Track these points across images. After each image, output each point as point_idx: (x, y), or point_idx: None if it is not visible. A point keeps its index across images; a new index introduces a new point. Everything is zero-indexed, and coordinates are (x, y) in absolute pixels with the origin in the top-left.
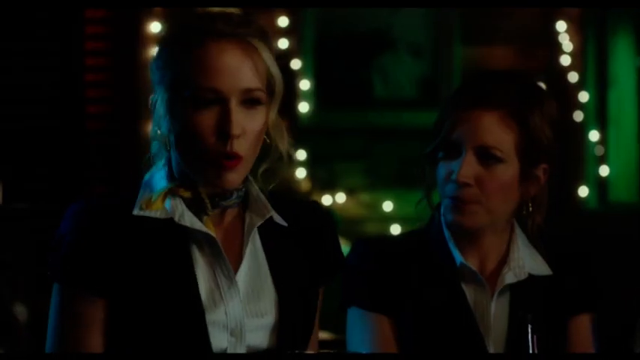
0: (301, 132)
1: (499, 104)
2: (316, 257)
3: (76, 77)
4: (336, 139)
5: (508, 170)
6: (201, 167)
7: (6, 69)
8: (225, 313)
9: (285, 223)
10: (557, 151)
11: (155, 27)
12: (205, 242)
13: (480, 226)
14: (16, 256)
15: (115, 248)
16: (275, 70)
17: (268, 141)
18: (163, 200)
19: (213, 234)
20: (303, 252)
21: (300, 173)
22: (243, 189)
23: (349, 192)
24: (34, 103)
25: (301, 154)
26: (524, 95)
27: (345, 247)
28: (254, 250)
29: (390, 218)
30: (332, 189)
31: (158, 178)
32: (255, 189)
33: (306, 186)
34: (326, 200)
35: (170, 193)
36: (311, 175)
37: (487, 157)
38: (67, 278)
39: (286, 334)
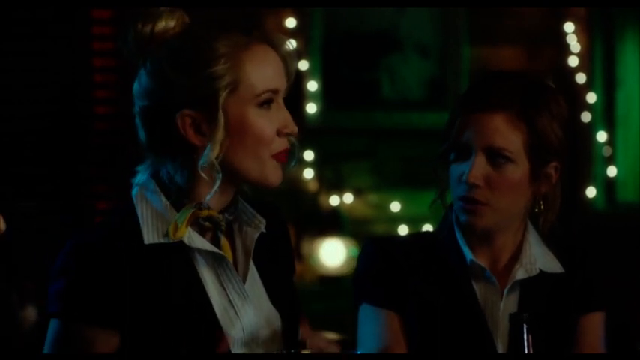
0: (309, 132)
1: (506, 105)
2: (283, 259)
3: (83, 78)
4: (344, 140)
5: (518, 170)
6: (260, 167)
7: (11, 69)
8: (242, 330)
9: (263, 229)
10: (567, 148)
11: None
12: (211, 260)
13: (491, 227)
14: (23, 258)
15: (125, 280)
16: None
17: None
18: (187, 225)
19: (223, 252)
20: (275, 255)
21: (308, 174)
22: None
23: (357, 192)
24: (40, 103)
25: (309, 155)
26: (531, 95)
27: (354, 248)
28: (250, 261)
29: (397, 219)
30: (339, 189)
31: (151, 197)
32: (238, 198)
33: (313, 186)
34: (334, 201)
35: (193, 216)
36: (318, 175)
37: (496, 158)
38: (80, 315)
39: (290, 335)
